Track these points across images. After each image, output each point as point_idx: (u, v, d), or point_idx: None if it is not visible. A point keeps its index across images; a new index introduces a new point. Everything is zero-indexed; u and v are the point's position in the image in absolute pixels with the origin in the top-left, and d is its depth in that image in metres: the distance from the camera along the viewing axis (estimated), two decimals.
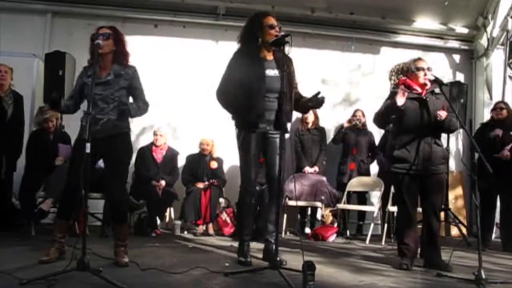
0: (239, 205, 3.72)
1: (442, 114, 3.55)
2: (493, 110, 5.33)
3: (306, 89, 3.69)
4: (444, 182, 3.78)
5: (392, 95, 3.69)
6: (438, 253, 3.60)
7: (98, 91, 3.13)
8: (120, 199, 3.33)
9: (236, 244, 3.80)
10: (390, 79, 4.22)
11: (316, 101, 3.44)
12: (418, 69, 3.67)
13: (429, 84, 3.65)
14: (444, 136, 4.15)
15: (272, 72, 3.48)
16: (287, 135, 3.47)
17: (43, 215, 4.59)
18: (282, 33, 3.34)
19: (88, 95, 3.10)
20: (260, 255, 3.66)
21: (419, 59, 3.79)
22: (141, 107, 3.30)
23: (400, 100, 3.52)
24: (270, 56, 3.54)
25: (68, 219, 3.31)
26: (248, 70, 3.45)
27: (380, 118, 3.79)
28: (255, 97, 3.42)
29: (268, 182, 3.74)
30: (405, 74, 3.82)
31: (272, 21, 3.49)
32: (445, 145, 4.81)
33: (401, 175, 3.64)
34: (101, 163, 3.47)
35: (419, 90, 3.66)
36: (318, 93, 3.39)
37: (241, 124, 3.56)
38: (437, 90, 3.66)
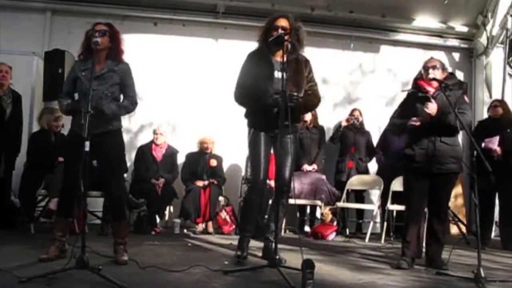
0: (245, 201, 3.73)
1: (430, 108, 3.47)
2: (489, 108, 5.35)
3: None
4: (452, 182, 3.72)
5: (409, 98, 3.72)
6: (438, 252, 3.59)
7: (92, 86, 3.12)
8: (117, 196, 3.33)
9: (235, 242, 3.80)
10: None
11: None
12: (424, 68, 3.68)
13: (433, 83, 3.62)
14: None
15: (280, 73, 3.37)
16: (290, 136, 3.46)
17: (50, 214, 4.53)
18: (281, 33, 3.31)
19: (81, 90, 3.12)
20: (260, 253, 3.67)
21: (430, 59, 3.76)
22: (123, 106, 3.27)
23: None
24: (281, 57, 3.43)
25: (68, 217, 3.31)
26: (257, 71, 3.46)
27: (396, 131, 4.03)
28: (262, 97, 3.40)
29: (276, 181, 3.72)
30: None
31: (281, 23, 3.43)
32: None
33: (408, 173, 3.66)
34: None
35: (431, 89, 3.63)
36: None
37: (250, 123, 3.59)
38: (451, 86, 3.61)
